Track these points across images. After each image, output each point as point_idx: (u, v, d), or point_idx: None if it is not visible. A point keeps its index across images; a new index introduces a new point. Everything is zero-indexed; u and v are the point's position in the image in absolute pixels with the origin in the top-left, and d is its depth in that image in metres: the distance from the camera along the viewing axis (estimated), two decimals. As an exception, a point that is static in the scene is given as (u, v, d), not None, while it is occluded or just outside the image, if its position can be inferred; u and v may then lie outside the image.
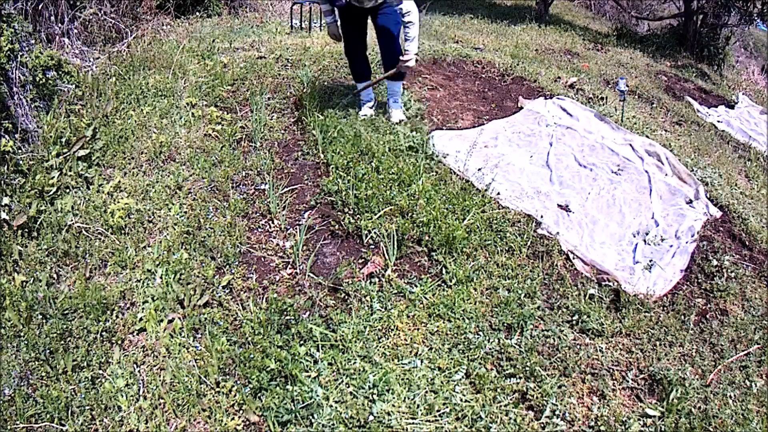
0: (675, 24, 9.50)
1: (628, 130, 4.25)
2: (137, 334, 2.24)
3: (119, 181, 3.03)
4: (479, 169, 3.35)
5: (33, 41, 3.47)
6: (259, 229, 2.83)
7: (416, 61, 3.64)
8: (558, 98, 4.68)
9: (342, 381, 2.03)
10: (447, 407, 1.96)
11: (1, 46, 2.96)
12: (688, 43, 8.84)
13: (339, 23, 3.77)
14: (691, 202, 3.37)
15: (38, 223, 2.69)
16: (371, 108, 4.02)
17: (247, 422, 1.93)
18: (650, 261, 2.85)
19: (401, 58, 3.53)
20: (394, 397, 1.97)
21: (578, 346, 2.29)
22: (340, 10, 3.65)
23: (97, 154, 3.20)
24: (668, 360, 2.28)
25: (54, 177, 2.90)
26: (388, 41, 3.66)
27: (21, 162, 2.90)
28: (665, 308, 2.57)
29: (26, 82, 3.19)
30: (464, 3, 10.62)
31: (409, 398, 1.98)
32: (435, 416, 1.93)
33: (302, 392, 1.96)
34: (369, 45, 4.00)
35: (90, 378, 2.04)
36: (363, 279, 2.51)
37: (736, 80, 8.67)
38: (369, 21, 3.73)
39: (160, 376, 2.06)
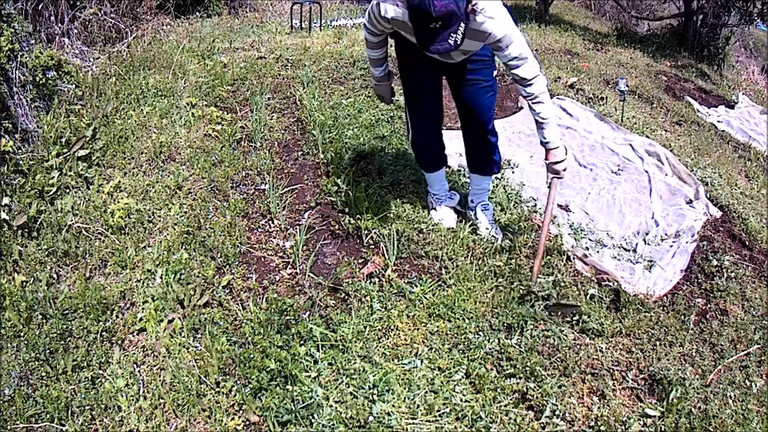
0: (675, 24, 9.49)
1: (628, 130, 4.25)
2: (137, 334, 2.24)
3: (119, 181, 3.03)
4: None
5: (33, 41, 3.47)
6: (259, 229, 2.83)
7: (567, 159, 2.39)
8: (558, 98, 4.68)
9: (342, 381, 2.03)
10: (447, 407, 1.96)
11: (1, 46, 2.96)
12: (688, 43, 8.83)
13: (392, 76, 2.70)
14: (691, 202, 3.37)
15: (38, 223, 2.69)
16: (452, 208, 2.92)
17: (247, 422, 1.93)
18: (650, 261, 2.85)
19: (548, 160, 2.37)
20: (394, 398, 1.97)
21: (578, 346, 2.29)
22: (408, 57, 2.48)
23: (97, 154, 3.20)
24: (668, 360, 2.28)
25: (54, 177, 2.90)
26: (477, 119, 2.60)
27: (21, 162, 2.90)
28: (665, 308, 2.57)
29: (26, 82, 3.19)
30: (464, 3, 10.59)
31: (409, 398, 1.98)
32: (435, 416, 1.93)
33: (302, 392, 1.96)
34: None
35: (90, 378, 2.04)
36: (363, 279, 2.51)
37: (736, 80, 8.65)
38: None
39: (160, 376, 2.06)
